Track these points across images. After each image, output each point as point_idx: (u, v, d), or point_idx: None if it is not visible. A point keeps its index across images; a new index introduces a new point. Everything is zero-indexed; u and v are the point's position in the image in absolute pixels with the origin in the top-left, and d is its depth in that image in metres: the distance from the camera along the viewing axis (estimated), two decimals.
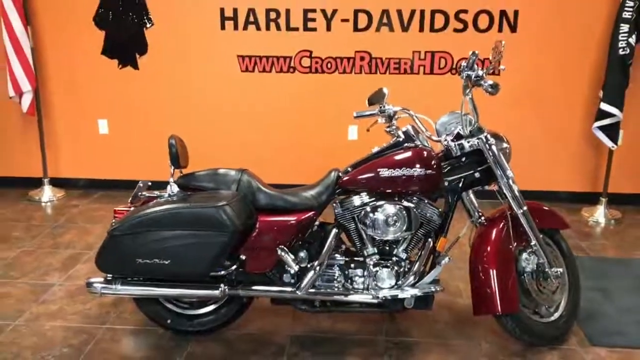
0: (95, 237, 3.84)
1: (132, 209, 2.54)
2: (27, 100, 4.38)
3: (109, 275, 2.54)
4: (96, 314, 2.91)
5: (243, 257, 2.55)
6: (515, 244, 2.61)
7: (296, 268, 2.53)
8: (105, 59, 4.50)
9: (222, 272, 2.54)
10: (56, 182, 4.70)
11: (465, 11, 4.24)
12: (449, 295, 3.11)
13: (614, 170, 4.34)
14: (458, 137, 2.60)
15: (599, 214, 4.27)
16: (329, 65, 4.41)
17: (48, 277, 3.29)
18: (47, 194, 4.59)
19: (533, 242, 2.60)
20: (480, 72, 2.46)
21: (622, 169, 4.40)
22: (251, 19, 4.34)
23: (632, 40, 3.89)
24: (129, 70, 4.51)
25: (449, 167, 2.63)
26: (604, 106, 4.02)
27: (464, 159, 2.62)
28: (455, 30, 4.27)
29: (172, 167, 2.57)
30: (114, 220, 2.52)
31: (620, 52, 3.92)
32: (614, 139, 4.11)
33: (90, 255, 3.56)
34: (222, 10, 4.34)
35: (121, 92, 4.55)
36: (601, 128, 4.11)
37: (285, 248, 2.52)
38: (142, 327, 2.79)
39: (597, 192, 4.40)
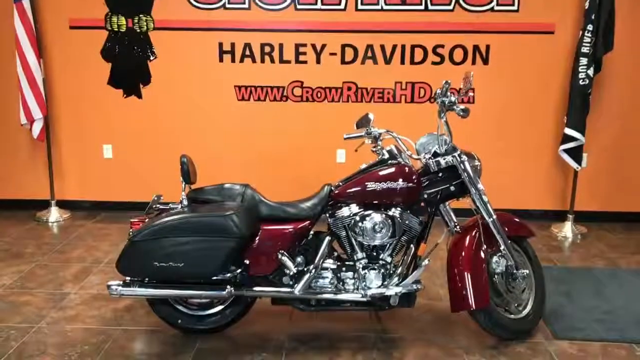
0: (102, 253, 4.13)
1: (146, 220, 2.87)
2: (37, 127, 4.70)
3: (127, 278, 2.85)
4: (111, 318, 3.19)
5: (247, 261, 2.88)
6: (487, 248, 2.96)
7: (295, 270, 2.86)
8: (111, 88, 4.85)
9: (229, 275, 2.85)
10: (62, 204, 4.99)
11: (442, 46, 4.67)
12: (430, 299, 3.44)
13: (581, 190, 4.75)
14: (435, 155, 2.97)
15: (567, 230, 4.66)
16: (318, 95, 4.80)
17: (63, 287, 3.57)
18: (54, 215, 4.87)
19: (502, 247, 2.95)
20: (452, 99, 2.85)
21: (587, 189, 4.82)
22: (247, 52, 4.74)
23: (591, 72, 4.33)
24: (133, 99, 4.86)
25: (427, 182, 2.99)
26: (568, 131, 4.44)
27: (440, 175, 2.99)
28: (433, 63, 4.70)
29: (184, 183, 2.91)
30: (131, 230, 2.83)
31: (581, 82, 4.35)
32: (578, 160, 4.52)
33: (100, 268, 3.85)
34: (220, 45, 4.73)
35: (125, 120, 4.89)
36: (566, 151, 4.52)
37: (285, 253, 2.86)
38: (155, 327, 3.08)
39: (565, 210, 4.79)
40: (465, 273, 2.88)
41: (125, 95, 4.86)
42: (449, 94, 2.89)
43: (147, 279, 2.83)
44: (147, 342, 2.97)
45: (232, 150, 4.88)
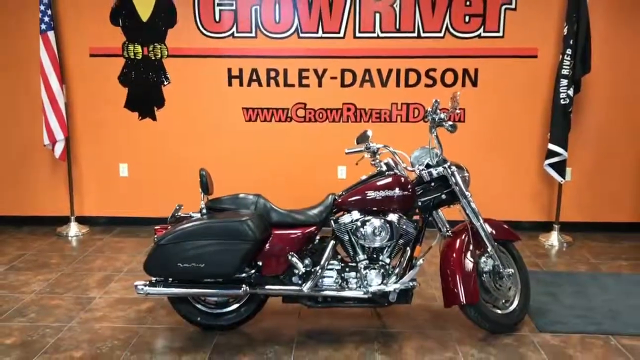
0: (121, 263, 4.44)
1: (169, 226, 3.20)
2: (59, 147, 5.05)
3: (152, 279, 3.17)
4: (135, 317, 3.51)
5: (260, 263, 3.20)
6: (475, 250, 3.29)
7: (303, 270, 3.18)
8: (128, 111, 5.21)
9: (244, 275, 3.18)
10: (80, 220, 5.32)
11: (434, 69, 5.06)
12: (426, 300, 3.76)
13: (566, 202, 5.09)
14: (428, 166, 3.32)
15: (553, 239, 4.99)
16: (320, 115, 5.17)
17: (89, 292, 3.89)
18: (74, 229, 5.20)
19: (489, 248, 3.29)
20: (442, 115, 3.22)
21: (572, 201, 5.16)
22: (254, 77, 5.12)
23: (571, 92, 4.70)
24: (148, 121, 5.22)
25: (421, 191, 3.33)
26: (551, 146, 4.79)
27: (433, 184, 3.33)
28: (426, 85, 5.08)
29: (202, 193, 3.25)
30: (155, 235, 3.16)
31: (562, 101, 4.72)
32: (562, 174, 4.87)
33: (120, 276, 4.17)
34: (229, 70, 5.12)
35: (140, 140, 5.24)
36: (551, 165, 4.86)
37: (294, 255, 3.18)
38: (175, 325, 3.39)
39: (551, 221, 5.13)
40: (456, 272, 3.20)
41: (140, 118, 5.22)
42: (438, 111, 3.25)
43: (171, 278, 3.15)
44: (170, 338, 3.28)
45: (239, 169, 5.21)
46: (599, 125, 5.10)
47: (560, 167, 4.86)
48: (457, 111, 3.33)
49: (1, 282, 4.03)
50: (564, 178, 4.90)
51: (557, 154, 4.79)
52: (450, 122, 3.19)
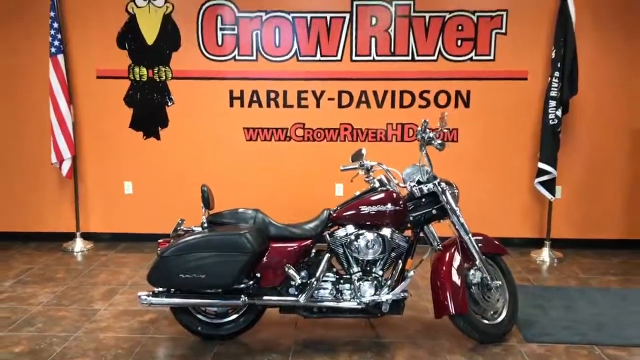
0: (125, 277, 4.59)
1: (172, 240, 3.36)
2: (66, 166, 5.22)
3: (155, 290, 3.32)
4: (139, 328, 3.65)
5: (258, 274, 3.36)
6: (464, 263, 3.44)
7: (299, 282, 3.33)
8: (132, 131, 5.40)
9: (243, 286, 3.33)
10: (85, 236, 5.47)
11: (428, 91, 5.26)
12: (418, 312, 3.90)
13: (557, 219, 5.24)
14: (419, 182, 3.49)
15: (545, 255, 5.13)
16: (318, 135, 5.36)
17: (93, 304, 4.03)
18: (79, 245, 5.35)
19: (477, 261, 3.44)
20: (431, 134, 3.40)
21: (562, 218, 5.32)
22: (255, 98, 5.32)
23: (559, 113, 4.88)
24: (152, 141, 5.41)
25: (413, 206, 3.49)
26: (541, 165, 4.96)
27: (423, 200, 3.49)
28: (420, 106, 5.27)
29: (204, 208, 3.42)
30: (159, 248, 3.32)
31: (551, 122, 4.90)
32: (552, 192, 5.03)
33: (124, 289, 4.31)
34: (231, 92, 5.32)
35: (145, 159, 5.42)
36: (541, 183, 5.03)
37: (291, 267, 3.34)
38: (177, 335, 3.53)
39: (542, 238, 5.27)
40: (446, 284, 3.35)
41: (145, 137, 5.41)
42: (427, 130, 3.43)
43: (173, 289, 3.30)
44: (171, 347, 3.41)
45: (240, 185, 5.38)
46: (587, 145, 5.27)
47: (550, 185, 5.02)
48: (445, 130, 3.49)
49: (10, 295, 4.18)
50: (554, 196, 5.05)
51: (547, 173, 4.96)
52: (439, 141, 3.37)
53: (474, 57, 5.19)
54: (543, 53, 5.14)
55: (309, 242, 3.40)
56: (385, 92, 5.27)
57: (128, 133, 5.40)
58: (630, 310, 3.93)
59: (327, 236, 3.44)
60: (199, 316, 3.47)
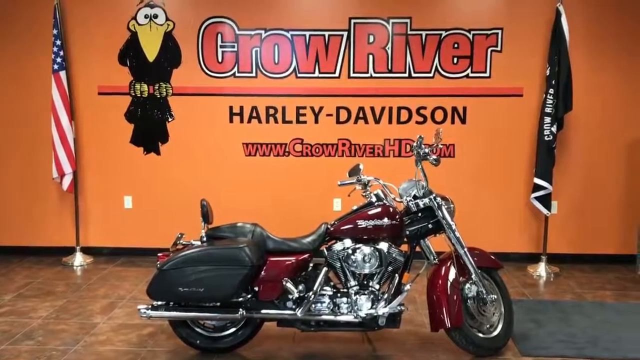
0: (124, 291, 4.62)
1: (171, 253, 3.40)
2: (67, 180, 5.28)
3: (154, 303, 3.36)
4: (138, 341, 3.68)
5: (256, 288, 3.39)
6: (460, 277, 3.48)
7: (297, 295, 3.37)
8: (133, 146, 5.46)
9: (241, 300, 3.36)
10: (85, 250, 5.51)
11: (425, 107, 5.33)
12: (415, 326, 3.93)
13: (553, 234, 5.29)
14: (415, 197, 3.54)
15: (541, 270, 5.17)
16: (317, 150, 5.42)
17: (93, 317, 4.07)
18: (79, 259, 5.39)
19: (473, 275, 3.48)
20: (426, 150, 3.46)
21: (559, 233, 5.36)
22: (254, 114, 5.39)
23: (554, 129, 4.95)
24: (152, 156, 5.47)
25: (409, 221, 3.54)
26: (537, 180, 5.02)
27: (420, 214, 3.54)
28: (417, 122, 5.34)
29: (203, 222, 3.47)
30: (159, 262, 3.36)
31: (546, 138, 4.97)
32: (547, 207, 5.08)
33: (123, 303, 4.34)
34: (230, 108, 5.39)
35: (145, 174, 5.48)
36: (537, 199, 5.08)
37: (289, 280, 3.37)
38: (175, 348, 3.56)
39: (539, 253, 5.31)
40: (442, 297, 3.39)
41: (145, 152, 5.47)
42: (423, 146, 3.49)
43: (172, 302, 3.34)
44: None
45: (239, 201, 5.42)
46: (582, 160, 5.33)
47: (545, 200, 5.07)
48: (440, 146, 3.55)
49: (10, 308, 4.21)
50: (550, 211, 5.11)
51: (542, 188, 5.02)
52: (434, 156, 3.43)
53: (470, 74, 5.27)
54: (538, 70, 5.22)
55: (306, 256, 3.44)
56: (383, 109, 5.35)
57: (129, 148, 5.46)
58: (625, 325, 3.97)
59: (325, 250, 3.48)
60: (198, 329, 3.50)
